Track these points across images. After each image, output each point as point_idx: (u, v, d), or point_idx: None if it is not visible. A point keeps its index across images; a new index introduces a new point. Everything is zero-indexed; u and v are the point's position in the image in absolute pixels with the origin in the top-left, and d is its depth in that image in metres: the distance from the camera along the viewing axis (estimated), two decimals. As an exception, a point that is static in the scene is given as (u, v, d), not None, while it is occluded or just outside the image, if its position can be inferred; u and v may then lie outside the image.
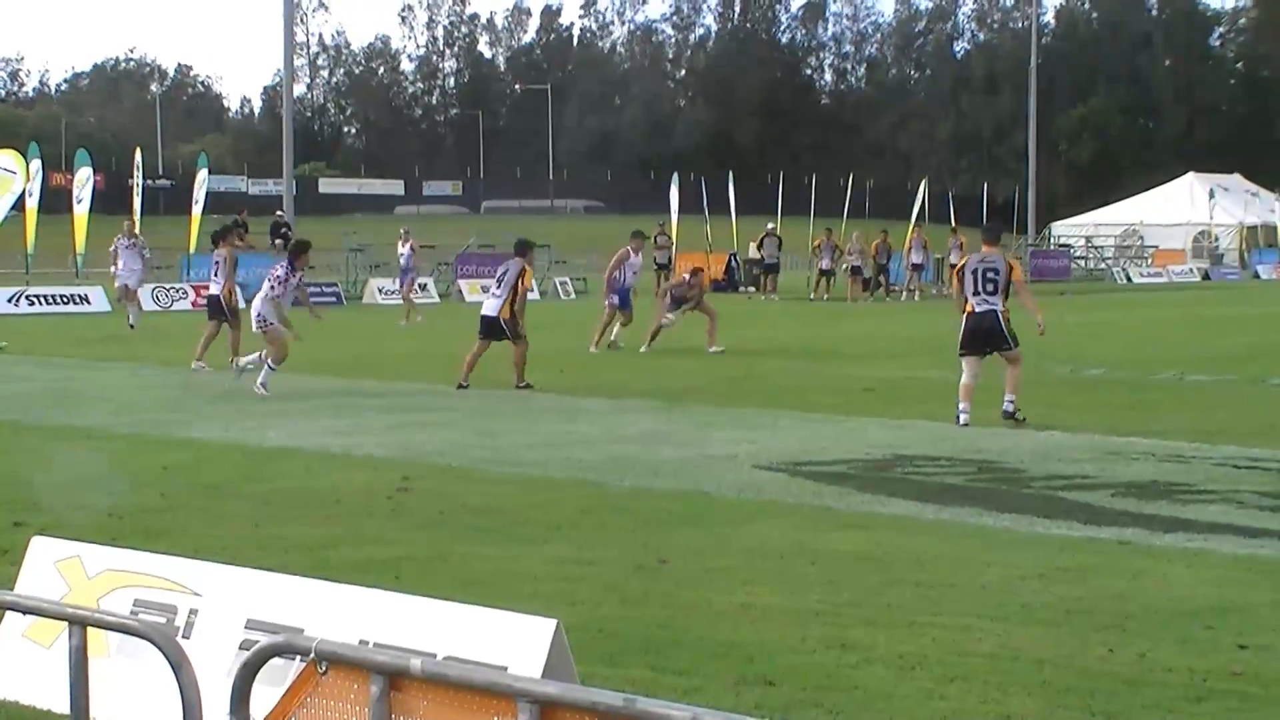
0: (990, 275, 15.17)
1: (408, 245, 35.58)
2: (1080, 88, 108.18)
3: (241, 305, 22.41)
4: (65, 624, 4.54)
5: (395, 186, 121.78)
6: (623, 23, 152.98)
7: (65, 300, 37.84)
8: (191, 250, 43.24)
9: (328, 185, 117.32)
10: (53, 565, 5.90)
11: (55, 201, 52.25)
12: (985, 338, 15.18)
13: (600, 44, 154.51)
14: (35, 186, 37.07)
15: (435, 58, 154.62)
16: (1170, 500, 10.60)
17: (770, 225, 48.49)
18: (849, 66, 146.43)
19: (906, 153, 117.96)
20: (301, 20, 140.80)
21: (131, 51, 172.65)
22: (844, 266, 46.26)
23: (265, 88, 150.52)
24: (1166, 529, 9.58)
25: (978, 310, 15.14)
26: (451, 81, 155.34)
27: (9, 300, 36.38)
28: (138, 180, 46.47)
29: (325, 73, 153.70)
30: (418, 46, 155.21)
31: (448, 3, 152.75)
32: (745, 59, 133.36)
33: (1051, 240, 75.53)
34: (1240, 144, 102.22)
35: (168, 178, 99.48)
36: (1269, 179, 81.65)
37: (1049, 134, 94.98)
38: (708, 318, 24.53)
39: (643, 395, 17.62)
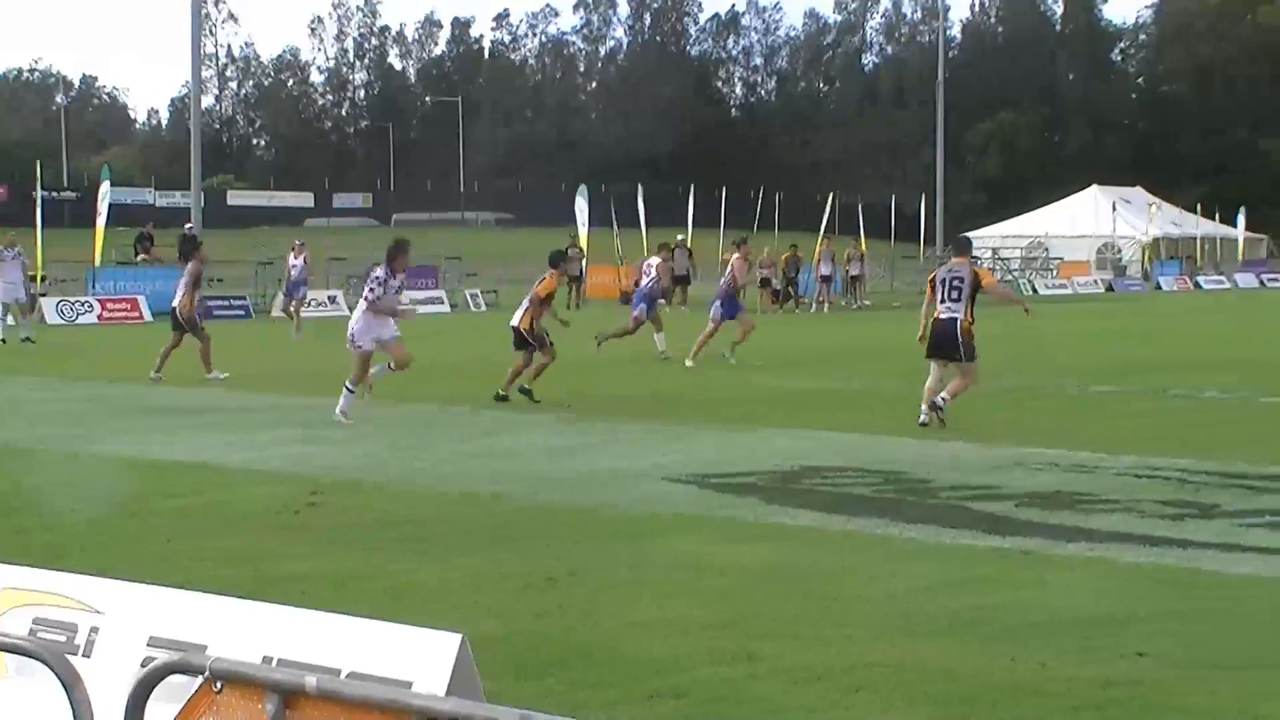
0: (955, 284, 15.90)
1: (301, 258, 35.28)
2: (988, 102, 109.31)
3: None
4: (-41, 645, 4.48)
5: (305, 199, 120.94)
6: (534, 35, 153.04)
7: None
8: (97, 264, 42.70)
9: (237, 197, 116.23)
10: (-51, 584, 5.80)
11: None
12: (939, 343, 15.81)
13: (511, 56, 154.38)
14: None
15: (345, 69, 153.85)
16: (1073, 510, 10.73)
17: (680, 237, 48.64)
18: (759, 79, 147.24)
19: (816, 165, 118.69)
20: (210, 31, 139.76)
21: (36, 62, 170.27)
22: (755, 279, 46.44)
23: (173, 99, 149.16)
24: (1069, 538, 9.71)
25: (941, 317, 15.84)
26: (362, 94, 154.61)
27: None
28: (38, 192, 45.84)
29: (234, 84, 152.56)
30: (327, 58, 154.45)
31: (358, 15, 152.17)
32: (656, 71, 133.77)
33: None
34: (1142, 158, 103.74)
35: (73, 190, 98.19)
36: (1170, 192, 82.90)
37: (957, 147, 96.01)
38: (654, 325, 25.03)
39: (553, 409, 17.61)
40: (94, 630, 5.21)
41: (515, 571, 8.71)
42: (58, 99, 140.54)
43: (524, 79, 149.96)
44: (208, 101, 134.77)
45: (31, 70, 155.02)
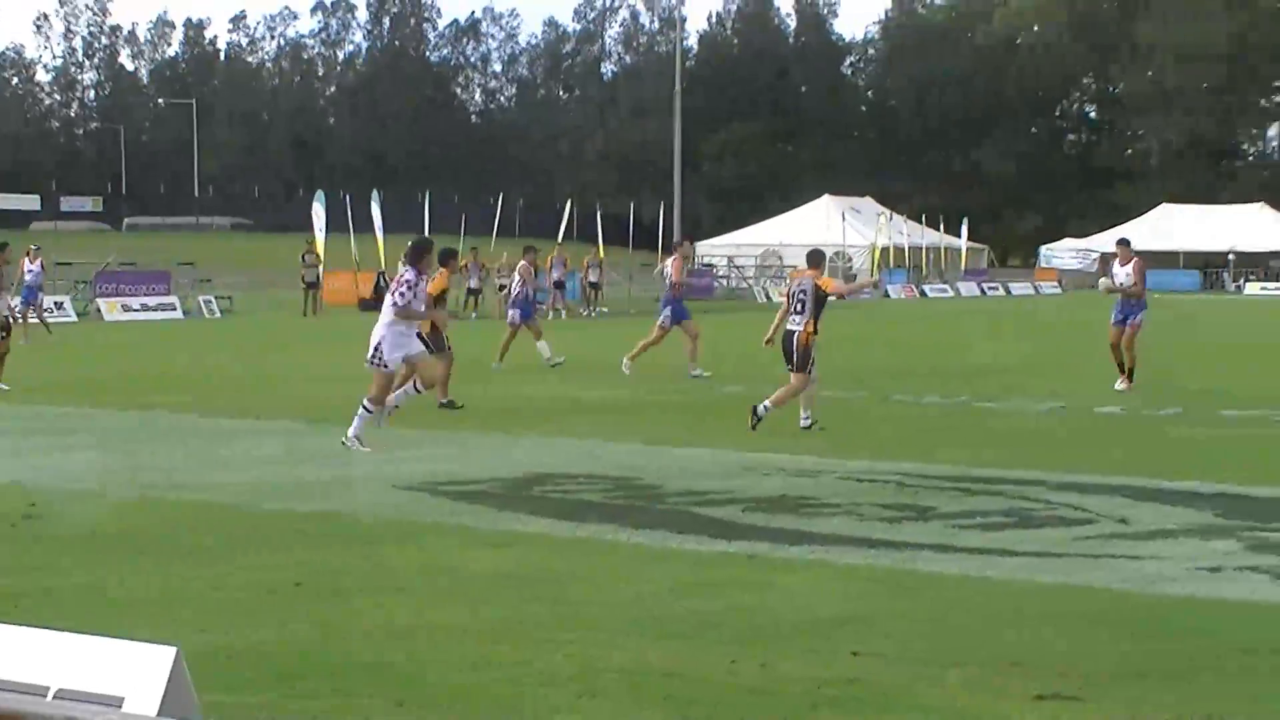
0: (800, 296, 16.37)
1: (37, 262, 34.22)
2: (724, 112, 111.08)
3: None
4: None
5: (30, 202, 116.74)
6: (272, 38, 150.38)
7: None
8: None
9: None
10: None
11: None
12: (785, 354, 16.33)
13: (248, 59, 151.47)
14: None
15: (74, 69, 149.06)
16: (797, 514, 11.01)
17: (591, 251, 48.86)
18: (499, 86, 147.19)
19: (555, 173, 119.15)
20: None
21: None
22: (498, 287, 46.53)
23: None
24: (792, 542, 9.95)
25: (787, 328, 16.40)
26: (91, 94, 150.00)
27: None
28: None
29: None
30: (54, 57, 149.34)
31: (86, 13, 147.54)
32: (395, 77, 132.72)
33: (695, 260, 77.40)
34: (872, 169, 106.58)
35: None
36: (898, 202, 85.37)
37: (695, 156, 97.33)
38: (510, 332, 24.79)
39: (284, 416, 17.38)
40: None
41: (240, 582, 8.60)
42: None
43: (261, 82, 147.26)
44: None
45: None
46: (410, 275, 14.97)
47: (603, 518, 10.84)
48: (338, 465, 13.47)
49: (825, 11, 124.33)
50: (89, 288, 46.01)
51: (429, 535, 10.12)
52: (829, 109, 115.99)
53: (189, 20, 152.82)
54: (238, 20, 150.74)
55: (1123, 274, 21.44)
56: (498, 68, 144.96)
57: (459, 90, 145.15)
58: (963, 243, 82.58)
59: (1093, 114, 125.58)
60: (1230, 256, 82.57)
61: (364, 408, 14.51)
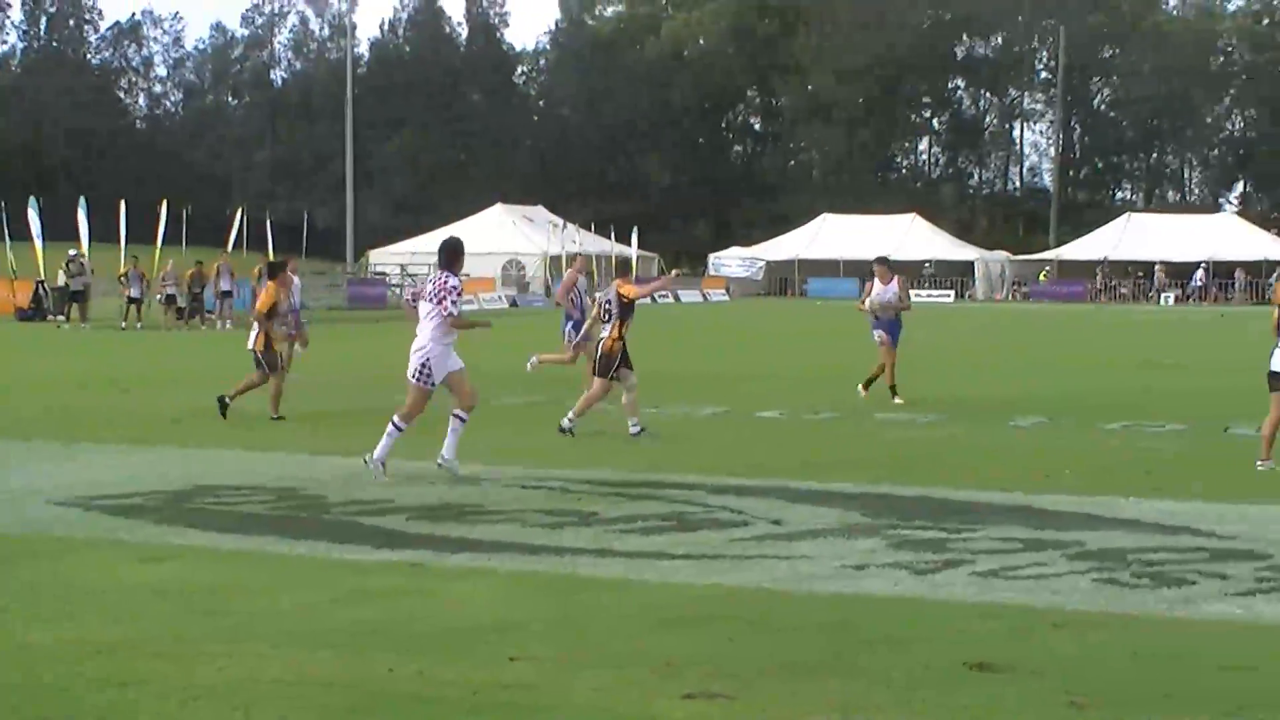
0: (607, 307, 16.89)
1: None
2: (397, 119, 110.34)
3: None
4: None
5: None
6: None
7: None
8: None
9: None
10: None
11: None
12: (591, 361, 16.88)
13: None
14: None
15: None
16: (460, 521, 11.07)
17: (72, 252, 47.09)
18: (164, 90, 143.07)
19: (224, 179, 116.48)
20: None
21: None
22: (159, 295, 45.40)
23: None
24: (455, 549, 10.01)
25: (600, 337, 16.87)
26: None
27: None
28: None
29: None
30: None
31: None
32: (53, 79, 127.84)
33: (369, 269, 76.80)
34: (543, 177, 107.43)
35: None
36: (569, 210, 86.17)
37: (367, 164, 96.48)
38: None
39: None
40: None
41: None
42: None
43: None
44: None
45: None
46: (455, 281, 13.83)
47: (265, 529, 10.72)
48: (-11, 480, 12.97)
49: (496, 21, 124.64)
50: None
51: (81, 551, 9.85)
52: (501, 118, 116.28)
53: None
54: None
55: (889, 292, 21.33)
56: (162, 71, 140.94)
57: (122, 94, 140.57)
58: (633, 251, 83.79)
59: (757, 126, 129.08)
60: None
61: (394, 426, 13.42)
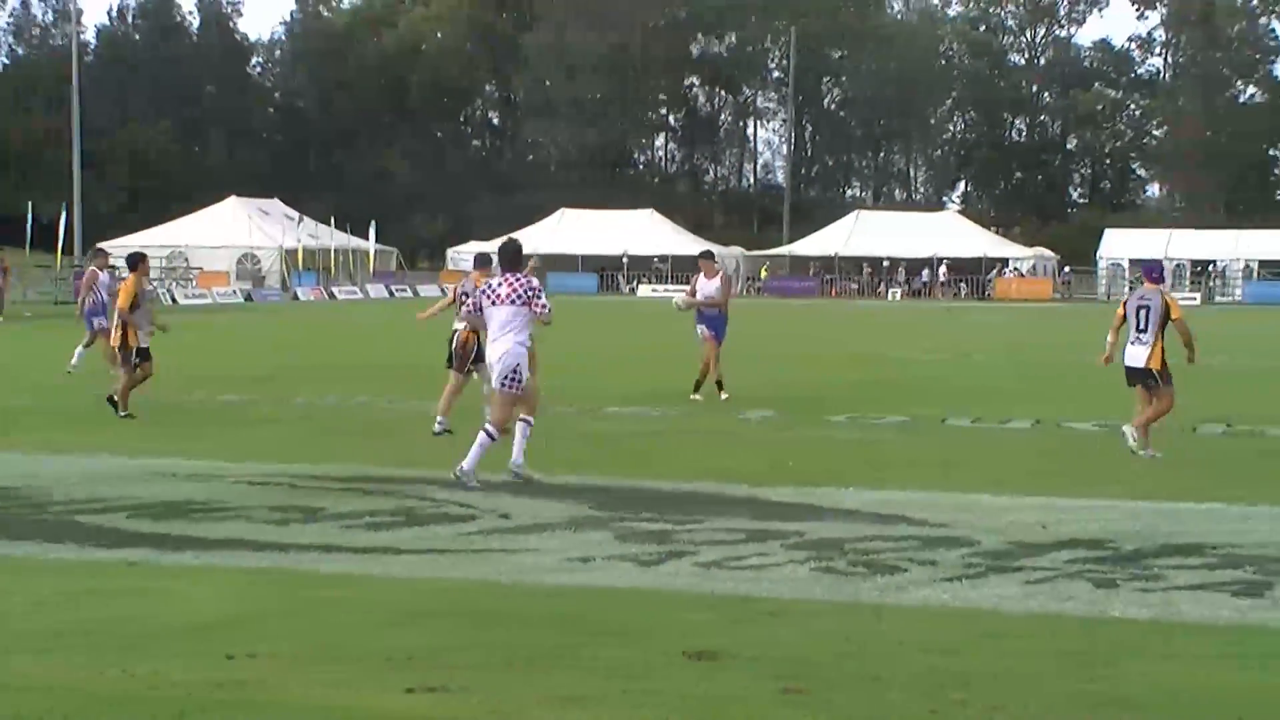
0: (464, 300, 16.25)
1: None
2: (128, 109, 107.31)
3: None
4: None
5: None
6: None
7: None
8: None
9: None
10: None
11: None
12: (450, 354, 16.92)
13: None
14: None
15: None
16: (186, 519, 10.88)
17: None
18: None
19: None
20: None
21: None
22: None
23: None
24: (177, 547, 9.85)
25: (453, 328, 16.93)
26: None
27: None
28: None
29: None
30: None
31: None
32: None
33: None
34: (279, 170, 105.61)
35: None
36: (306, 203, 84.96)
37: (97, 155, 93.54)
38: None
39: None
40: None
41: None
42: None
43: None
44: None
45: None
46: (536, 282, 13.37)
47: (-20, 532, 10.39)
48: None
49: (229, 10, 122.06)
50: None
51: None
52: (235, 109, 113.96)
53: None
54: None
55: (710, 287, 20.81)
56: None
57: None
58: (372, 245, 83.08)
59: (495, 121, 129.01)
60: (624, 259, 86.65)
61: (486, 433, 12.89)
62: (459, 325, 16.83)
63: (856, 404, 20.15)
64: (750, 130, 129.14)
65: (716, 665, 7.08)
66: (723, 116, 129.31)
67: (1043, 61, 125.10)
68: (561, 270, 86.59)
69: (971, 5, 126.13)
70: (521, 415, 13.14)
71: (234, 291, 67.58)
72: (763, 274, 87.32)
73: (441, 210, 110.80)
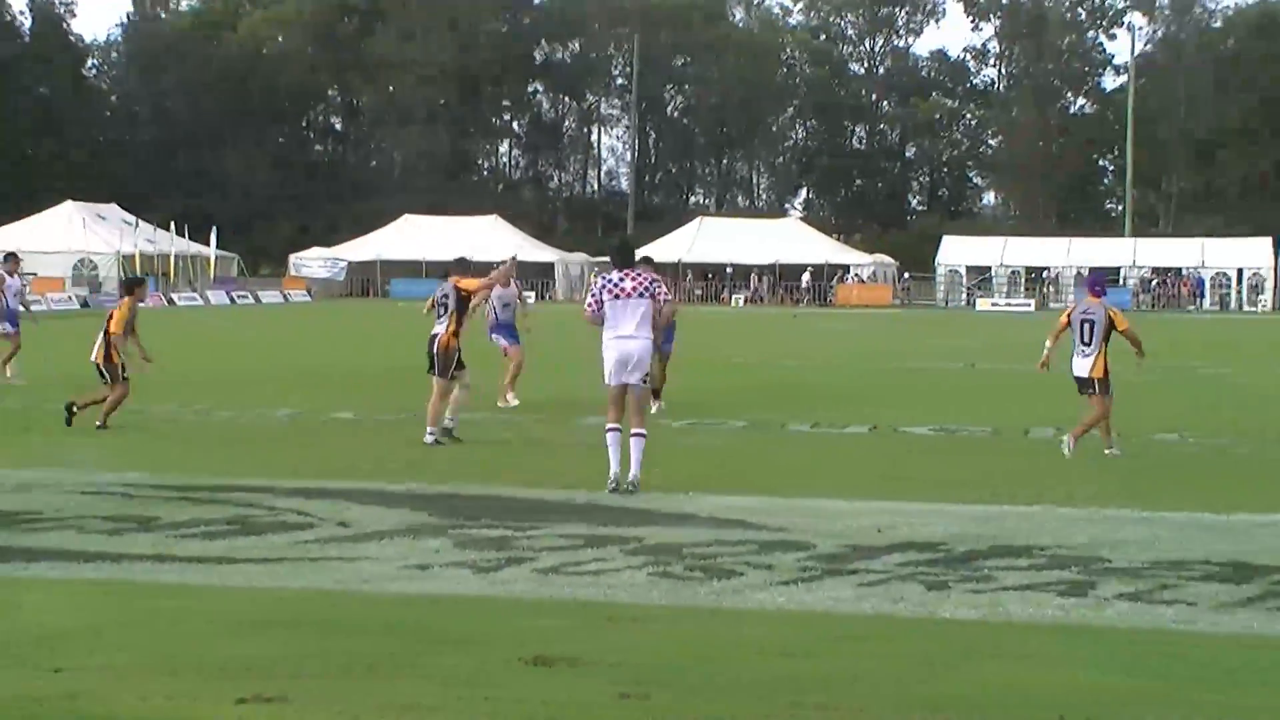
0: (443, 302, 16.70)
1: None
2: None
3: None
4: None
5: None
6: None
7: None
8: None
9: None
10: None
11: None
12: (429, 358, 16.63)
13: None
14: None
15: None
16: (12, 530, 10.66)
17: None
18: None
19: None
20: None
21: None
22: None
23: None
24: (4, 558, 9.65)
25: (431, 333, 16.62)
26: None
27: None
28: None
29: None
30: None
31: None
32: None
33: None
34: (116, 174, 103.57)
35: None
36: (145, 208, 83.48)
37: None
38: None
39: None
40: None
41: None
42: None
43: None
44: None
45: None
46: (662, 288, 13.27)
47: None
48: None
49: (62, 10, 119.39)
50: None
51: None
52: (70, 112, 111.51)
53: None
54: None
55: (509, 294, 20.56)
56: None
57: None
58: (213, 251, 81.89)
59: (338, 126, 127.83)
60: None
61: (643, 438, 12.87)
62: (438, 330, 16.60)
63: (698, 409, 20.30)
64: (594, 137, 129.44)
65: (554, 671, 7.10)
66: (567, 123, 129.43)
67: (882, 71, 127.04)
68: (405, 276, 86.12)
69: (812, 14, 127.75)
70: (636, 430, 12.94)
71: (70, 298, 66.20)
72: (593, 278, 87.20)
73: (284, 216, 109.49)
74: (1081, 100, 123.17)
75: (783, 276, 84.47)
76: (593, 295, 13.26)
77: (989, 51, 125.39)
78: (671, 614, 8.36)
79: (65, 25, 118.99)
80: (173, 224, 78.30)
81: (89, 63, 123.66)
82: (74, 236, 74.96)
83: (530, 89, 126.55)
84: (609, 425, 12.97)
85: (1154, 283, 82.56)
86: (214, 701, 6.52)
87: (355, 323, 52.80)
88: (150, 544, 10.21)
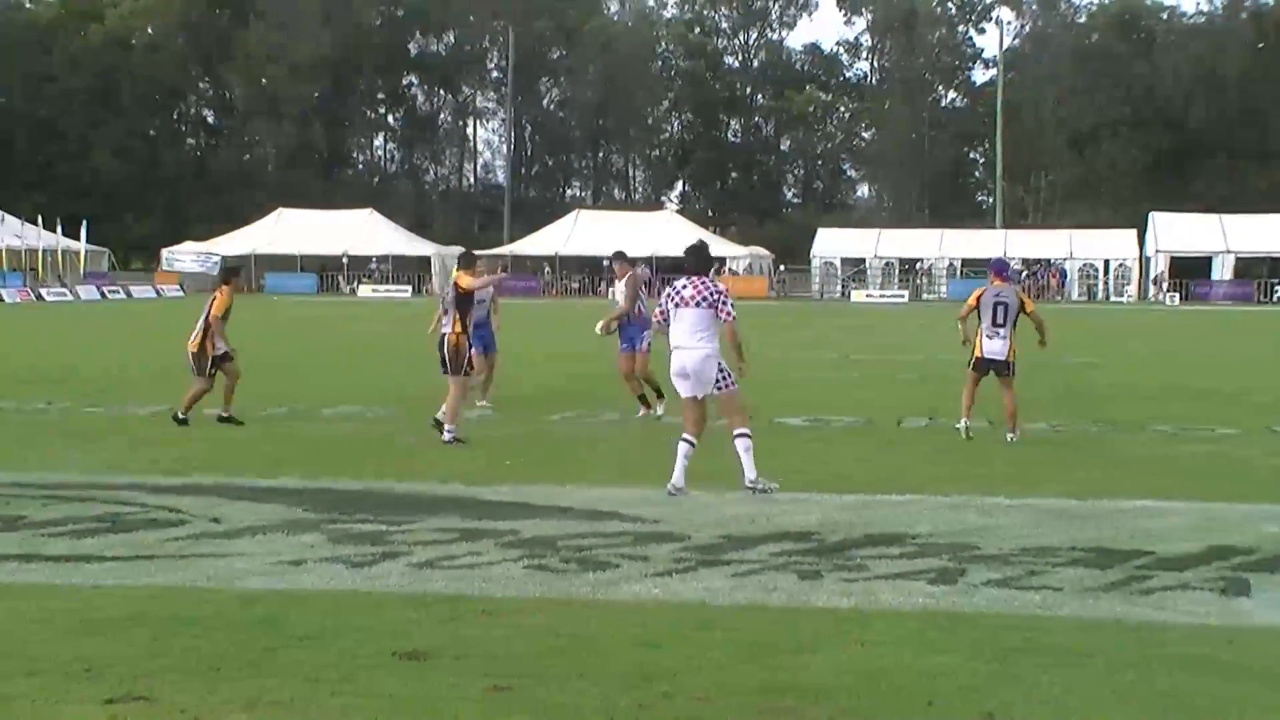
0: (444, 300, 16.56)
1: None
2: None
3: None
4: None
5: None
6: None
7: None
8: None
9: None
10: None
11: None
12: (440, 359, 16.30)
13: None
14: None
15: None
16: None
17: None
18: None
19: None
20: None
21: None
22: None
23: None
24: None
25: (441, 332, 16.33)
26: None
27: None
28: None
29: None
30: None
31: None
32: None
33: None
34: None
35: None
36: (10, 203, 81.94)
37: None
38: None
39: None
40: None
41: None
42: None
43: None
44: None
45: None
46: (723, 285, 12.69)
47: None
48: None
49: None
50: None
51: None
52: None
53: None
54: None
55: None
56: None
57: None
58: (83, 245, 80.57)
59: (210, 119, 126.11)
60: (344, 260, 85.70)
61: (746, 437, 12.47)
62: (446, 329, 16.28)
63: (574, 402, 20.33)
64: (470, 130, 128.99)
65: (426, 665, 7.09)
66: (442, 116, 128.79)
67: (756, 64, 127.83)
68: (280, 270, 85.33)
69: (686, 8, 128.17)
70: (738, 430, 12.57)
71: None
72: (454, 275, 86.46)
73: (155, 210, 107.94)
74: (953, 94, 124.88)
75: (659, 269, 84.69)
76: (659, 305, 12.93)
77: (861, 45, 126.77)
78: (546, 606, 8.37)
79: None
80: (40, 218, 76.92)
81: None
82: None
83: (405, 82, 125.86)
84: (682, 435, 12.63)
85: (1024, 274, 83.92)
86: (80, 702, 6.46)
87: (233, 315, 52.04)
88: (16, 543, 10.02)
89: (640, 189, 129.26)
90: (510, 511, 11.39)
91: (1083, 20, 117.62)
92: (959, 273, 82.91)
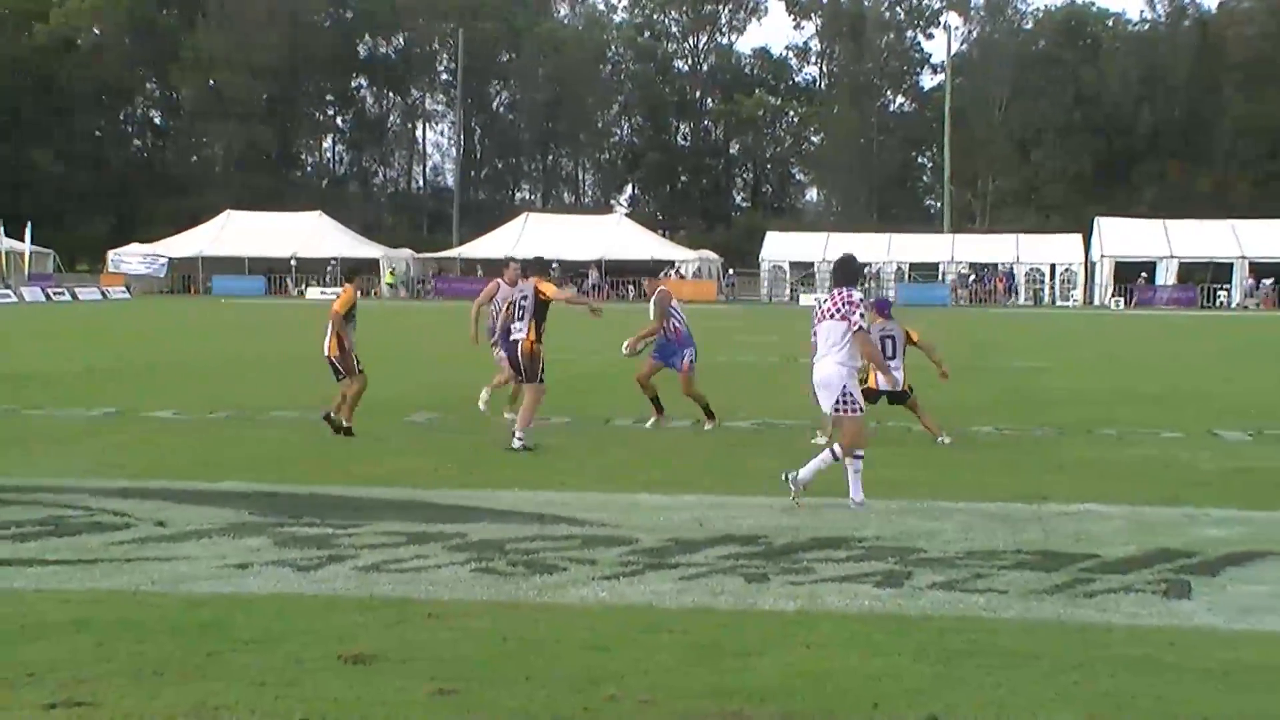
0: (521, 304, 15.98)
1: None
2: None
3: None
4: None
5: None
6: None
7: None
8: None
9: None
10: None
11: None
12: (512, 364, 16.49)
13: None
14: None
15: None
16: None
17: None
18: None
19: None
20: None
21: None
22: None
23: None
24: None
25: (511, 338, 16.15)
26: None
27: None
28: None
29: None
30: None
31: None
32: None
33: None
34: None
35: None
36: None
37: None
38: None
39: None
40: None
41: None
42: None
43: None
44: None
45: None
46: (858, 295, 12.31)
47: None
48: None
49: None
50: None
51: None
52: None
53: None
54: None
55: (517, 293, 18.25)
56: None
57: None
58: (27, 246, 79.95)
59: (157, 120, 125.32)
60: (293, 262, 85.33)
61: (855, 458, 12.02)
62: (518, 335, 15.93)
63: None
64: (419, 132, 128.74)
65: (371, 669, 7.07)
66: (391, 118, 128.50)
67: (706, 68, 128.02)
68: (228, 273, 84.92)
69: (636, 11, 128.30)
70: (854, 452, 12.13)
71: None
72: (389, 277, 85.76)
73: (101, 211, 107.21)
74: (901, 99, 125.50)
75: (608, 273, 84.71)
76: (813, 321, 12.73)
77: (810, 50, 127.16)
78: (493, 610, 8.36)
79: None
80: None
81: None
82: None
83: (354, 84, 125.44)
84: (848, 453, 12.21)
85: (971, 279, 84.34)
86: (21, 708, 6.41)
87: (175, 320, 51.85)
88: (-56, 547, 9.94)
89: (590, 192, 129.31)
90: (457, 515, 11.37)
91: (1029, 27, 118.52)
92: (907, 277, 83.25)
